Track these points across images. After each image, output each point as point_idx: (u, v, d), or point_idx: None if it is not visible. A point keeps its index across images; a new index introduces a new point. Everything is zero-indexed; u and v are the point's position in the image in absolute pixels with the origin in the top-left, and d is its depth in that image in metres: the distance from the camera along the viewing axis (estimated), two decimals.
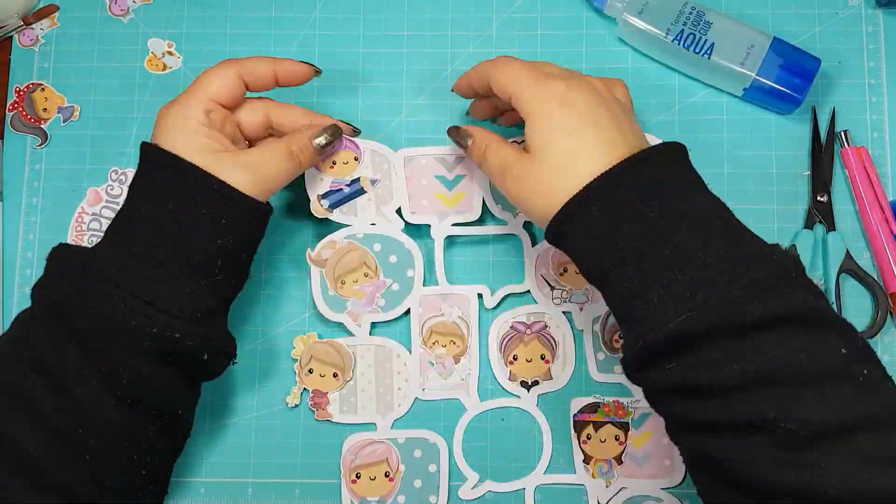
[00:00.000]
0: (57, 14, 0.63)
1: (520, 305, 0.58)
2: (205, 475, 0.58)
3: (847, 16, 0.61)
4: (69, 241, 0.59)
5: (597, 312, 0.57)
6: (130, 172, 0.61)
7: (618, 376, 0.57)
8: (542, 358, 0.57)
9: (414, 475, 0.56)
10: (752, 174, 0.59)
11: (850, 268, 0.57)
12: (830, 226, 0.58)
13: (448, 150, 0.57)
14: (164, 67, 0.62)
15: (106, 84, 0.62)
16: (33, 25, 0.63)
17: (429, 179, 0.58)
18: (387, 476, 0.56)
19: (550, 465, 0.57)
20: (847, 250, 0.57)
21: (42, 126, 0.62)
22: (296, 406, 0.58)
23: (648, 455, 0.56)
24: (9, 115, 0.62)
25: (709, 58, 0.57)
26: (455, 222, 0.58)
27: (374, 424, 0.57)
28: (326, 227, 0.57)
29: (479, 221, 0.58)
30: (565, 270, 0.57)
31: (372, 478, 0.56)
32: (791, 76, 0.57)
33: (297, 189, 0.57)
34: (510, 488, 0.56)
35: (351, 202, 0.57)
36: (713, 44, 0.57)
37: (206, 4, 0.63)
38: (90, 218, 0.60)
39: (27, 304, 0.59)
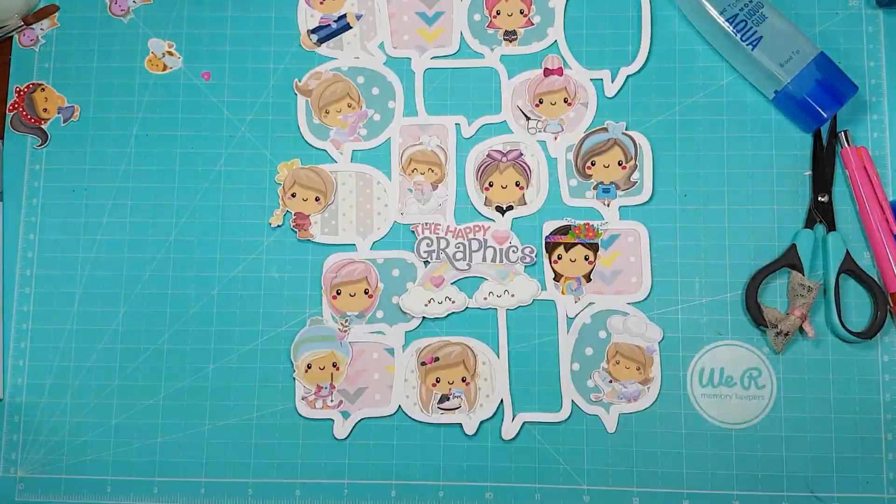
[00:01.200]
0: (57, 14, 0.63)
1: (496, 135, 0.60)
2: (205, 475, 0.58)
3: (847, 16, 0.61)
4: None
5: (570, 141, 0.60)
6: None
7: (589, 201, 0.59)
8: (517, 184, 0.60)
9: (392, 292, 0.59)
10: (754, 174, 0.59)
11: (849, 268, 0.57)
12: (831, 226, 0.58)
13: None
14: (165, 67, 0.62)
15: (106, 84, 0.62)
16: (33, 26, 0.63)
17: (410, 16, 0.62)
18: (366, 293, 0.59)
19: None
20: (847, 251, 0.57)
21: (42, 126, 0.62)
22: (278, 227, 0.60)
23: (617, 273, 0.59)
24: (9, 115, 0.62)
25: (752, 49, 0.57)
26: (434, 55, 0.60)
27: (354, 245, 0.59)
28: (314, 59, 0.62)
29: (458, 55, 0.61)
30: (541, 101, 0.60)
31: (352, 294, 0.59)
32: (823, 93, 0.57)
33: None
34: (482, 306, 0.59)
35: (337, 37, 0.60)
36: (761, 37, 0.57)
37: (206, 5, 0.63)
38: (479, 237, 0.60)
39: (27, 303, 0.60)
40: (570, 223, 0.59)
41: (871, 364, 0.57)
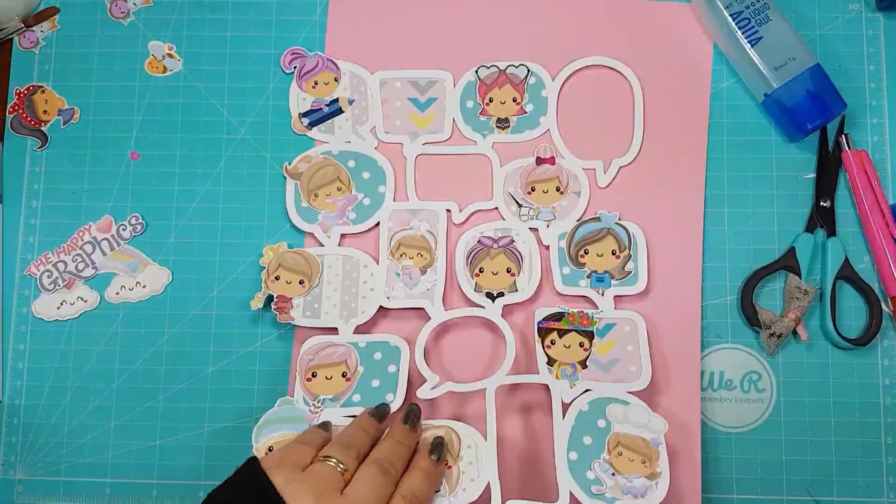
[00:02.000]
0: (57, 16, 0.63)
1: (487, 221, 0.59)
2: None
3: (847, 19, 0.61)
4: (60, 250, 0.60)
5: (563, 229, 0.59)
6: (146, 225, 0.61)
7: (582, 289, 0.58)
8: (508, 271, 0.58)
9: (372, 375, 0.56)
10: (754, 177, 0.59)
11: (847, 274, 0.57)
12: (831, 231, 0.58)
13: (421, 74, 0.61)
14: (165, 70, 0.62)
15: (106, 86, 0.62)
16: (34, 28, 0.63)
17: (402, 101, 0.61)
18: (344, 376, 0.57)
19: (513, 368, 0.56)
20: (846, 256, 0.57)
21: (42, 128, 0.62)
22: (259, 310, 0.59)
23: (615, 361, 0.56)
24: (9, 117, 0.62)
25: (751, 48, 0.57)
26: (426, 142, 0.60)
27: (336, 329, 0.58)
28: (306, 143, 0.61)
29: (450, 141, 0.61)
30: (533, 189, 0.59)
31: (328, 377, 0.57)
32: (811, 105, 0.57)
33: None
34: (470, 389, 0.56)
35: (329, 121, 0.60)
36: (761, 38, 0.57)
37: (206, 7, 0.63)
38: (89, 239, 0.60)
39: (27, 305, 0.60)
40: (563, 310, 0.57)
41: (870, 368, 0.57)
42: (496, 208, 0.59)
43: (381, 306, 0.58)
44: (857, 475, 0.56)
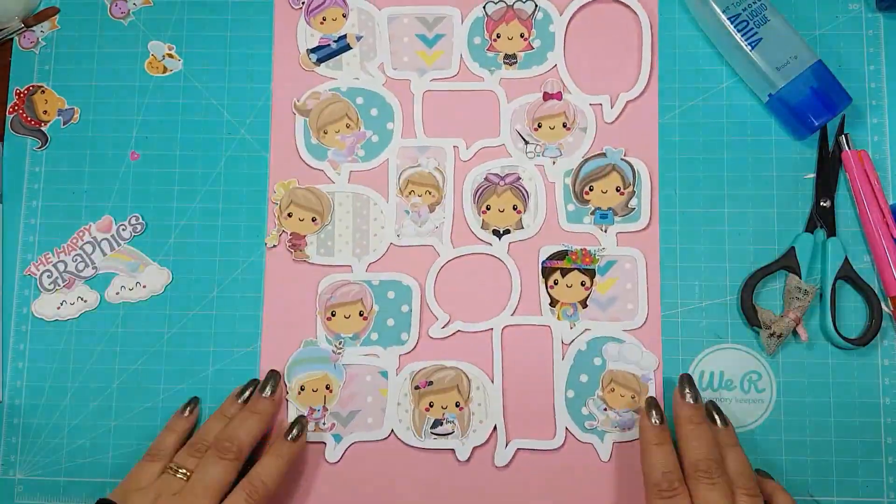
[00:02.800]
0: (57, 16, 0.63)
1: (494, 159, 0.60)
2: None
3: (847, 19, 0.61)
4: (61, 250, 0.60)
5: (569, 166, 0.60)
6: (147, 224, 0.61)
7: (586, 226, 0.59)
8: (515, 208, 0.59)
9: (387, 315, 0.59)
10: (754, 177, 0.59)
11: (847, 275, 0.57)
12: (831, 231, 0.58)
13: (429, 10, 0.61)
14: (165, 70, 0.62)
15: (106, 86, 0.62)
16: (34, 28, 0.63)
17: (410, 38, 0.61)
18: (361, 315, 0.59)
19: (518, 308, 0.59)
20: (846, 256, 0.57)
21: (42, 128, 0.62)
22: (273, 247, 0.59)
23: (613, 299, 0.58)
24: (9, 117, 0.62)
25: (751, 50, 0.57)
26: (434, 78, 0.61)
27: (350, 267, 0.59)
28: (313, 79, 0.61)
29: (458, 78, 0.61)
30: (539, 126, 0.60)
31: (346, 316, 0.59)
32: (816, 101, 0.57)
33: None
34: (479, 328, 0.58)
35: (336, 57, 0.61)
36: (761, 39, 0.57)
37: (206, 7, 0.63)
38: (89, 239, 0.60)
39: (26, 305, 0.60)
40: (566, 248, 0.59)
41: (871, 368, 0.57)
42: (503, 145, 0.60)
43: (391, 244, 0.59)
44: (857, 475, 0.56)
